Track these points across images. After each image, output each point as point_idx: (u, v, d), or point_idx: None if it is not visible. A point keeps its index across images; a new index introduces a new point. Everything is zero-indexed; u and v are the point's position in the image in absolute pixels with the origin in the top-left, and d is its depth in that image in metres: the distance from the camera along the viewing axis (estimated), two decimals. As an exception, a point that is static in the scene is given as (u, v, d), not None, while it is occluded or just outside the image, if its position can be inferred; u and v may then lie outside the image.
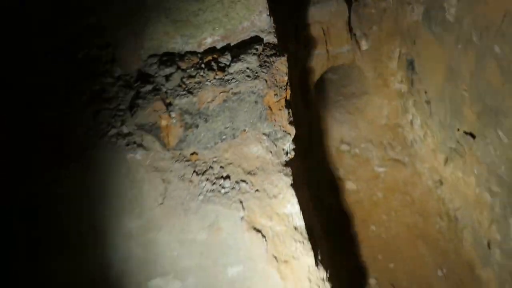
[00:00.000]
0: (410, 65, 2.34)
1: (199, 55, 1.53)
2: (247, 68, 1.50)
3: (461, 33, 1.74)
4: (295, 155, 1.75)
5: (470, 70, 1.74)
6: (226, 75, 1.50)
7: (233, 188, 1.55)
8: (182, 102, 1.47)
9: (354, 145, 2.73)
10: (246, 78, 1.49)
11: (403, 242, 2.33)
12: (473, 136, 1.87)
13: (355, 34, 2.52)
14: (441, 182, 2.33)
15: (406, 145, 2.65)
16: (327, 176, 2.61)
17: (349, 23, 2.45)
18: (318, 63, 2.54)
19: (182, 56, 1.51)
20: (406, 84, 2.47)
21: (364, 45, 2.50)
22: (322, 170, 2.60)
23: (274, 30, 1.58)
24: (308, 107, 2.57)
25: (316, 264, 1.59)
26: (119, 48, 1.50)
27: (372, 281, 2.27)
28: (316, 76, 2.60)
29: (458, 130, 1.97)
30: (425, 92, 2.22)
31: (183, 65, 1.49)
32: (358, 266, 2.33)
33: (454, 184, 2.16)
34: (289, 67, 1.68)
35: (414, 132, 2.52)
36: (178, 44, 1.51)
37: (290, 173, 1.61)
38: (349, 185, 2.59)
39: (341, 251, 2.34)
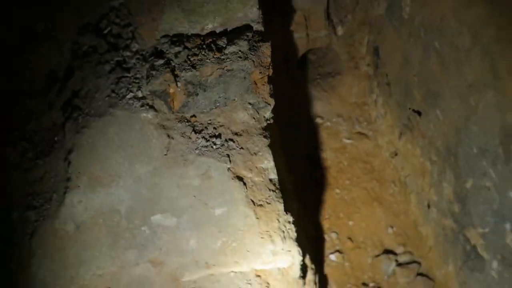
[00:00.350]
0: (376, 51, 2.96)
1: (201, 38, 2.10)
2: (239, 50, 2.08)
3: (413, 29, 2.35)
4: (273, 123, 2.36)
5: (418, 60, 2.36)
6: (222, 56, 2.08)
7: (222, 145, 2.13)
8: (187, 75, 2.04)
9: (326, 119, 3.36)
10: (238, 58, 2.07)
11: (361, 203, 2.99)
12: (419, 113, 2.51)
13: (332, 21, 3.12)
14: (396, 153, 2.99)
15: (371, 121, 3.30)
16: (302, 145, 3.24)
17: (327, 10, 3.04)
18: (300, 45, 3.13)
19: (188, 37, 2.07)
20: (372, 67, 3.10)
21: (339, 31, 3.10)
22: (298, 139, 3.23)
23: (262, 21, 2.15)
24: (289, 83, 3.18)
25: (285, 210, 2.20)
26: (137, 28, 2.06)
27: (333, 235, 2.94)
28: (298, 55, 3.20)
29: (409, 108, 2.61)
30: (386, 75, 2.85)
31: (189, 45, 2.06)
32: (322, 222, 3.00)
33: (405, 155, 2.83)
34: (274, 49, 2.27)
35: (377, 110, 3.17)
36: (185, 28, 2.07)
37: (269, 136, 2.21)
38: (319, 153, 3.23)
39: (309, 210, 2.99)
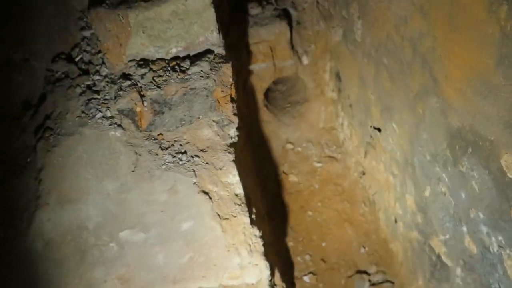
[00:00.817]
0: (337, 76, 3.17)
1: (166, 61, 2.29)
2: (201, 70, 2.26)
3: (365, 49, 2.57)
4: (240, 142, 2.49)
5: (372, 78, 2.56)
6: (185, 76, 2.26)
7: (188, 160, 2.26)
8: (152, 94, 2.21)
9: (297, 144, 3.52)
10: (200, 77, 2.25)
11: (333, 225, 3.08)
12: (379, 130, 2.67)
13: (297, 51, 3.36)
14: (363, 173, 3.12)
15: (339, 144, 3.46)
16: (274, 170, 3.37)
17: (291, 41, 3.28)
18: (267, 74, 3.35)
19: (154, 61, 2.26)
20: (336, 92, 3.31)
21: (305, 60, 3.34)
22: (270, 165, 3.36)
23: (222, 44, 2.35)
24: (259, 111, 3.35)
25: (251, 223, 2.29)
26: (106, 54, 2.25)
27: (307, 257, 3.00)
28: (266, 84, 3.40)
29: (370, 126, 2.77)
30: (348, 98, 3.05)
31: (154, 67, 2.25)
32: (296, 245, 3.06)
33: (371, 173, 2.95)
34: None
35: (344, 132, 3.33)
36: (151, 53, 2.26)
37: (233, 152, 2.34)
38: (292, 178, 3.35)
39: (282, 232, 3.07)
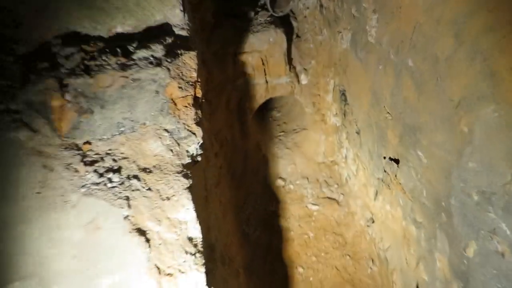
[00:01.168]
0: (343, 95, 2.40)
1: (106, 40, 1.54)
2: (152, 55, 1.51)
3: (381, 52, 1.83)
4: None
5: (390, 90, 1.79)
6: (128, 61, 1.50)
7: (122, 183, 1.47)
8: (77, 81, 1.45)
9: (289, 181, 2.69)
10: (149, 65, 1.49)
11: (332, 287, 2.18)
12: (397, 161, 1.87)
13: (295, 68, 2.61)
14: (372, 220, 2.27)
15: (341, 183, 2.62)
16: (259, 211, 2.52)
17: (288, 54, 2.54)
18: (257, 93, 2.59)
19: (88, 39, 1.52)
20: (340, 116, 2.52)
21: (303, 79, 2.59)
22: (255, 205, 2.51)
23: (187, 27, 1.61)
24: (246, 137, 2.56)
25: (208, 284, 1.46)
26: (27, 28, 1.51)
27: (294, 330, 2.09)
28: (255, 105, 2.63)
29: (384, 157, 1.97)
30: (356, 123, 2.26)
31: (87, 48, 1.50)
32: (281, 312, 2.15)
33: (383, 220, 2.11)
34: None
35: (348, 168, 2.50)
36: (85, 29, 1.53)
37: (190, 176, 1.54)
38: (281, 222, 2.49)
39: (264, 293, 2.17)
